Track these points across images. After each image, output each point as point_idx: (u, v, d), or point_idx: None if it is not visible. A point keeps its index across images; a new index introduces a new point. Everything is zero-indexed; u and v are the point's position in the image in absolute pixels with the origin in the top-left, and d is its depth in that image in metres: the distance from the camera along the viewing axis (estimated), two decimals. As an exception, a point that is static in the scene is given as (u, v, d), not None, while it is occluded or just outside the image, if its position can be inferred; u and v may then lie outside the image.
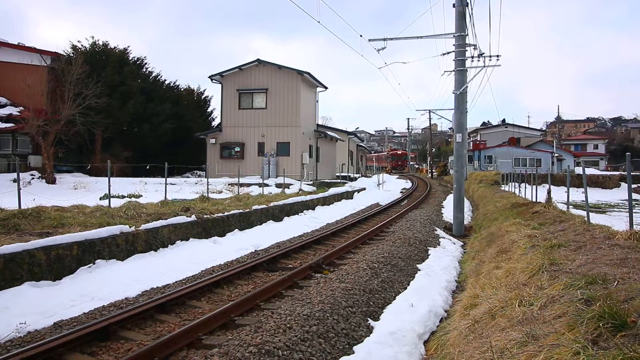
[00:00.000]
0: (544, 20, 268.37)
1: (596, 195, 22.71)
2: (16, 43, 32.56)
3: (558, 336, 3.26)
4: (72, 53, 30.80)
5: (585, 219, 8.73)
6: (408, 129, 79.35)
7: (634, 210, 7.44)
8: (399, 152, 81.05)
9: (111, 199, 13.43)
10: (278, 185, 25.96)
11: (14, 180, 14.73)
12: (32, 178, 24.33)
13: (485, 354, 3.54)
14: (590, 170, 40.25)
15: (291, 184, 26.13)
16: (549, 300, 4.11)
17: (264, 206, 15.17)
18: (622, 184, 33.83)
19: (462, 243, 12.64)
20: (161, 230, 10.10)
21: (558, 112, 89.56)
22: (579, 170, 32.09)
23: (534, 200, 14.47)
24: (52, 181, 24.80)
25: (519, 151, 48.59)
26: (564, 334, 3.25)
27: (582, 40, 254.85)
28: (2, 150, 27.88)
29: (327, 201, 21.28)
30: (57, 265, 7.50)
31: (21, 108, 26.91)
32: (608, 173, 38.77)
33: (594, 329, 3.19)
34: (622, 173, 37.58)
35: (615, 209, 18.03)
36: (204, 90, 45.75)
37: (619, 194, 28.64)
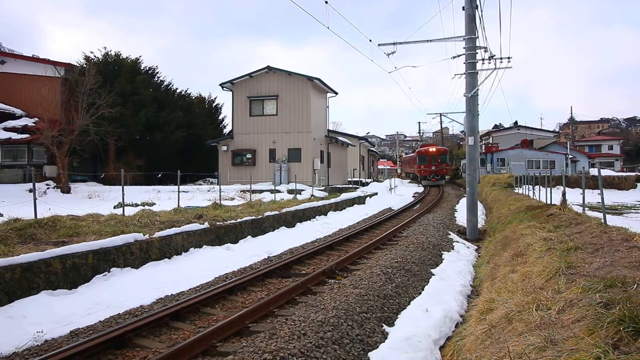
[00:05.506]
0: (554, 19, 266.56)
1: (612, 196, 22.40)
2: (30, 55, 33.17)
3: (577, 341, 3.20)
4: (85, 64, 31.26)
5: (602, 220, 8.60)
6: (419, 132, 78.91)
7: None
8: (432, 150, 44.67)
9: (125, 208, 13.54)
10: (290, 192, 26.00)
11: (30, 190, 14.93)
12: (48, 188, 24.68)
13: (503, 360, 3.49)
14: (605, 172, 39.70)
15: (303, 190, 26.15)
16: (567, 304, 4.05)
17: (276, 212, 15.17)
18: (639, 185, 33.32)
19: (476, 247, 12.52)
20: (175, 238, 10.14)
21: (571, 113, 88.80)
22: (593, 171, 31.71)
23: (548, 202, 14.30)
24: (67, 191, 25.14)
25: (532, 153, 48.17)
26: (583, 339, 3.20)
27: (593, 39, 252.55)
28: (18, 160, 28.33)
29: (339, 206, 21.24)
30: (72, 273, 7.56)
31: (36, 119, 27.35)
32: (623, 174, 38.18)
33: (615, 333, 3.13)
34: (638, 174, 37.03)
35: (632, 211, 17.75)
36: (215, 98, 46.20)
37: (635, 195, 28.21)
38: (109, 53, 34.12)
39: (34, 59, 31.45)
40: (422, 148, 46.91)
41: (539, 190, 18.03)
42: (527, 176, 23.50)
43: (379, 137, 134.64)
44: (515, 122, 75.83)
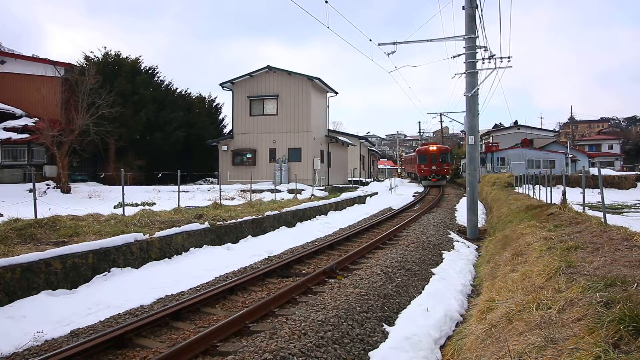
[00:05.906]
0: (554, 19, 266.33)
1: (612, 196, 22.39)
2: (30, 55, 33.16)
3: (578, 340, 3.20)
4: (85, 64, 31.25)
5: (602, 220, 8.59)
6: (419, 132, 78.86)
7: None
8: (433, 149, 42.27)
9: (125, 208, 13.53)
10: (290, 191, 26.00)
11: (30, 190, 14.94)
12: (48, 188, 24.68)
13: (504, 359, 3.49)
14: (606, 171, 39.68)
15: (303, 190, 26.15)
16: (567, 304, 4.05)
17: (277, 212, 15.18)
18: (639, 184, 33.32)
19: (477, 246, 12.52)
20: (175, 238, 10.15)
21: (571, 113, 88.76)
22: (593, 171, 31.69)
23: (548, 202, 14.29)
24: (67, 190, 25.13)
25: (532, 153, 48.15)
26: (583, 338, 3.19)
27: (593, 39, 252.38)
28: (18, 160, 28.33)
29: (339, 206, 21.24)
30: (73, 274, 7.56)
31: (36, 119, 27.34)
32: (624, 173, 38.18)
33: (615, 332, 3.13)
34: (638, 173, 37.02)
35: (633, 210, 17.75)
36: (215, 98, 46.21)
37: (635, 194, 28.22)
38: (109, 53, 34.11)
39: (34, 59, 31.44)
40: (423, 147, 44.38)
41: (539, 189, 18.03)
42: (527, 175, 23.50)
43: (379, 137, 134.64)
44: (515, 122, 75.84)
